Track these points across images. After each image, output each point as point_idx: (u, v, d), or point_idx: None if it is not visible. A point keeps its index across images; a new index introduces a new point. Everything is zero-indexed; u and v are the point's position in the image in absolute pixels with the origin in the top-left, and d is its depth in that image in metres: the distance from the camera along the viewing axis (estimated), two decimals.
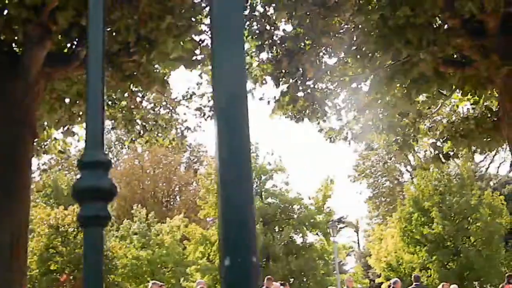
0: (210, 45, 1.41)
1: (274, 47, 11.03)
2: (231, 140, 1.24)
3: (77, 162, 1.34)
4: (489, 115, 12.12)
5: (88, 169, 1.27)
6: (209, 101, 11.90)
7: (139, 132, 11.62)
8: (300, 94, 11.68)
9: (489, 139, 12.27)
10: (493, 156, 40.98)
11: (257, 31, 10.92)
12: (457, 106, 13.95)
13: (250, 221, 1.19)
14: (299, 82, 11.36)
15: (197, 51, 9.99)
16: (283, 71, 11.22)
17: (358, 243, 53.91)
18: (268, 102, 11.79)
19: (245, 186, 1.19)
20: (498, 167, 42.03)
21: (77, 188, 1.28)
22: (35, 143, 10.29)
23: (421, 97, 12.36)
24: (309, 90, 11.56)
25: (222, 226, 1.19)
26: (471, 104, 12.82)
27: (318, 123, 12.53)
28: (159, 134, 11.71)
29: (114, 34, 8.84)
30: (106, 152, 1.34)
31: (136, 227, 33.21)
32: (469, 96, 11.96)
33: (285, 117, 12.03)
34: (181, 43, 9.54)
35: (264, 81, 11.72)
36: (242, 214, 1.19)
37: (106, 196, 1.27)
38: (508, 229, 27.90)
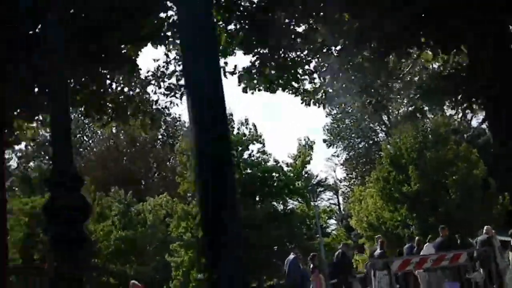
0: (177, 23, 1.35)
1: (242, 19, 10.87)
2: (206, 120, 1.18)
3: (46, 181, 1.28)
4: (459, 71, 12.14)
5: (58, 188, 1.20)
6: (178, 80, 11.68)
7: (110, 116, 11.40)
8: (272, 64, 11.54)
9: (460, 94, 12.30)
10: (465, 110, 41.22)
11: (223, 3, 10.74)
12: (427, 63, 13.96)
13: (232, 203, 1.15)
14: (269, 53, 11.24)
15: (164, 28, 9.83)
16: (254, 41, 11.07)
17: (338, 205, 54.41)
18: (239, 76, 11.63)
19: (225, 165, 1.14)
20: (470, 120, 42.31)
21: (49, 208, 1.21)
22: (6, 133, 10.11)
23: (392, 57, 12.33)
24: (280, 60, 11.45)
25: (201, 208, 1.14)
26: (441, 63, 12.85)
27: (292, 89, 12.40)
28: (131, 117, 11.50)
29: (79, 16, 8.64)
30: (76, 165, 1.28)
31: (115, 208, 33.10)
32: (438, 54, 11.95)
33: (258, 90, 11.88)
34: (147, 21, 9.37)
35: (233, 53, 11.55)
36: (222, 196, 1.14)
37: (79, 215, 1.20)
38: (483, 181, 28.27)
